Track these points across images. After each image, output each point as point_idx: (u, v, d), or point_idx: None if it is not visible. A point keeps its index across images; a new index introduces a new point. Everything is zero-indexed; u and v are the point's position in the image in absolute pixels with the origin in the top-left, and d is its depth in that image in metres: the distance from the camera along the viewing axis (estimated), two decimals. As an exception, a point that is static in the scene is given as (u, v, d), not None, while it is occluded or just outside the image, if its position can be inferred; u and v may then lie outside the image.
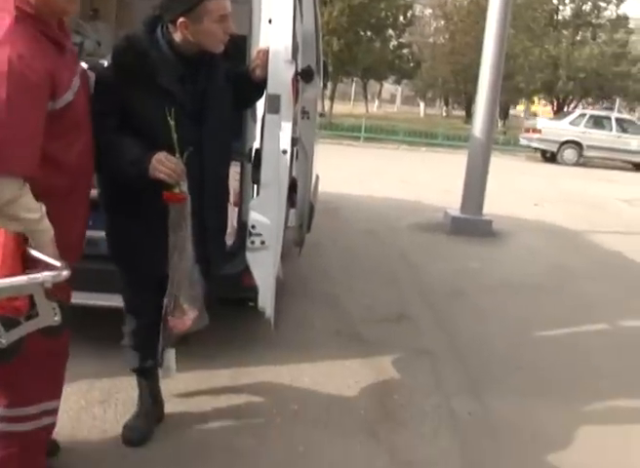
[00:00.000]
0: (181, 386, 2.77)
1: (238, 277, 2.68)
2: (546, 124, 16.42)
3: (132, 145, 1.99)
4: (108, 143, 1.98)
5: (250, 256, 2.37)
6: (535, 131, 16.10)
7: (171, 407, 2.59)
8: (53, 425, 2.01)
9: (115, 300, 2.44)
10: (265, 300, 2.43)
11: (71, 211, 1.82)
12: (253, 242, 2.35)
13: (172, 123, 1.95)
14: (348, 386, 2.96)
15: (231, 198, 2.58)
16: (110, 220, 2.22)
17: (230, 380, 2.90)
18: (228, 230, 2.51)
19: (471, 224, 6.53)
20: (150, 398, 2.45)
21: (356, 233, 6.14)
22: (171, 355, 2.56)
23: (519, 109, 34.29)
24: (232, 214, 2.71)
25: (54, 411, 1.98)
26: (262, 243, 2.36)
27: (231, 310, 3.16)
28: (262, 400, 2.77)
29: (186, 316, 2.13)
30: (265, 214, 2.34)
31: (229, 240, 2.64)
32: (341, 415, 2.70)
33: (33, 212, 1.60)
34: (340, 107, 25.86)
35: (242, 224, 2.77)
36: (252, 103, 2.50)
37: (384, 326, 3.80)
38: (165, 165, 1.95)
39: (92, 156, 1.91)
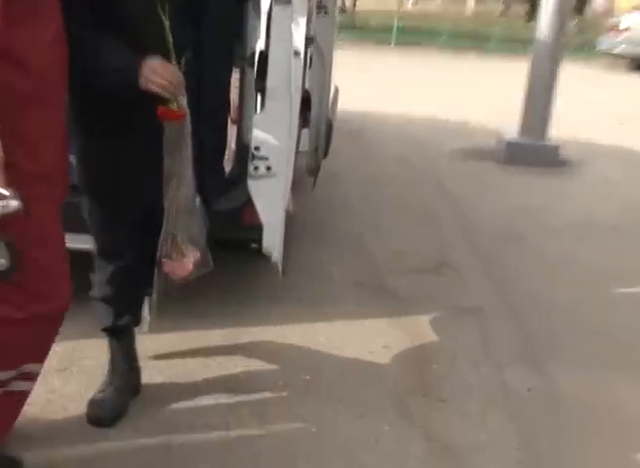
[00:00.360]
0: (163, 350, 2.76)
1: (237, 212, 2.69)
2: (637, 20, 15.59)
3: (114, 47, 1.94)
4: (83, 40, 1.89)
5: (253, 186, 2.34)
6: (620, 30, 15.39)
7: (150, 376, 2.57)
8: (24, 394, 1.99)
9: (81, 242, 2.37)
10: (272, 241, 2.42)
11: (41, 125, 1.75)
12: (256, 168, 2.32)
13: (166, 22, 1.93)
14: (374, 352, 2.93)
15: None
16: (84, 139, 2.15)
17: (225, 343, 2.89)
18: (226, 154, 2.51)
19: (532, 151, 6.42)
20: (124, 365, 2.42)
21: (385, 160, 6.09)
22: (143, 307, 2.56)
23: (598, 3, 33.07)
24: (230, 133, 2.69)
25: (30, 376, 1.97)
26: (268, 169, 2.33)
27: (228, 254, 3.13)
28: (266, 368, 2.75)
29: (187, 258, 2.17)
30: (272, 133, 2.31)
31: (227, 166, 2.63)
32: (365, 389, 2.67)
33: None
34: (365, 3, 25.21)
35: (243, 146, 2.75)
36: (254, -8, 2.49)
37: (419, 276, 3.77)
38: (160, 75, 1.91)
39: (65, 51, 1.83)
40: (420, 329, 3.18)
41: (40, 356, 1.98)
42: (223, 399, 2.52)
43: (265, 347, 2.88)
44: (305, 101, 3.21)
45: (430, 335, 3.13)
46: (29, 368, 1.94)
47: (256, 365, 2.76)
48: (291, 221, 2.84)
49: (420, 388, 2.70)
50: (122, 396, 2.39)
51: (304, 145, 3.60)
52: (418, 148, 6.58)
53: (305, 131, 3.57)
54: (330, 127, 4.19)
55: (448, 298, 3.52)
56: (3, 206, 1.54)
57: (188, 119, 2.01)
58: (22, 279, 1.73)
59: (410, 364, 2.88)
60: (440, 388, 2.71)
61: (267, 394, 2.57)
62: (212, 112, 2.20)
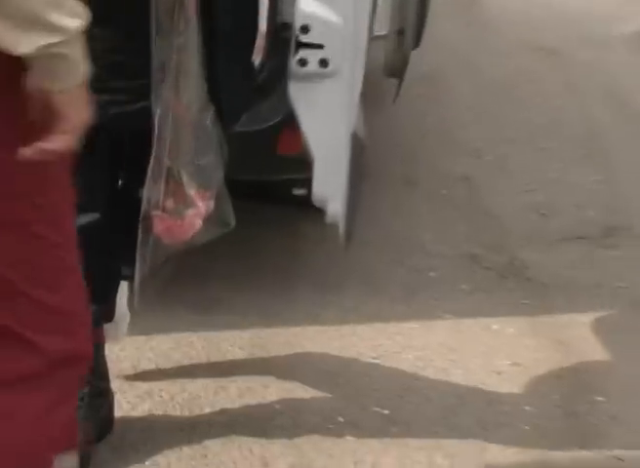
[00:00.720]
0: (150, 364, 2.81)
1: (272, 136, 2.73)
2: None
3: None
4: None
5: (297, 91, 2.36)
6: None
7: (128, 405, 2.62)
8: None
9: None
10: (328, 186, 2.44)
11: None
12: (303, 61, 2.35)
13: None
14: (499, 373, 2.95)
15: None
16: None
17: (250, 353, 2.95)
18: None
19: None
20: (87, 387, 2.43)
21: (516, 51, 6.08)
22: (120, 296, 2.57)
23: None
24: (261, 4, 2.67)
25: None
26: (323, 63, 2.35)
27: (257, 207, 3.19)
28: (316, 395, 2.77)
29: (192, 210, 2.19)
30: (329, 3, 2.32)
31: (255, 59, 2.64)
32: (484, 433, 2.67)
33: (77, 16, 1.57)
34: None
35: (280, 26, 2.77)
36: None
37: (575, 249, 3.79)
38: None
39: None
40: (576, 336, 3.17)
41: (71, 436, 2.03)
42: (247, 442, 2.53)
43: (315, 361, 2.92)
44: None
45: (593, 349, 3.11)
46: (65, 464, 1.99)
47: (299, 389, 2.77)
48: (360, 153, 2.83)
49: (577, 436, 2.69)
50: (84, 436, 2.36)
51: (382, 26, 3.53)
52: (573, 29, 6.53)
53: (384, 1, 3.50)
54: (424, -4, 4.17)
55: (625, 287, 3.51)
56: None
57: None
58: (36, 290, 1.78)
59: (558, 394, 2.87)
60: (611, 438, 2.68)
61: (318, 437, 2.58)
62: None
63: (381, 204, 3.87)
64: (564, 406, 2.83)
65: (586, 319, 3.28)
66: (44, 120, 1.59)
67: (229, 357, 2.90)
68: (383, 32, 3.60)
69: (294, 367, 2.88)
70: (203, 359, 2.87)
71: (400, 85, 4.06)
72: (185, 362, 2.85)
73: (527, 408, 2.80)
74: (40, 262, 1.80)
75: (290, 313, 3.12)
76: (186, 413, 2.63)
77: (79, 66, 1.61)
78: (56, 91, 1.59)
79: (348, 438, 2.60)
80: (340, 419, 2.67)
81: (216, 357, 2.89)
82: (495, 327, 3.19)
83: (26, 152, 1.58)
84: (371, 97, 3.23)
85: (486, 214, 4.01)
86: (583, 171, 4.50)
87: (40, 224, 1.79)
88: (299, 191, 2.64)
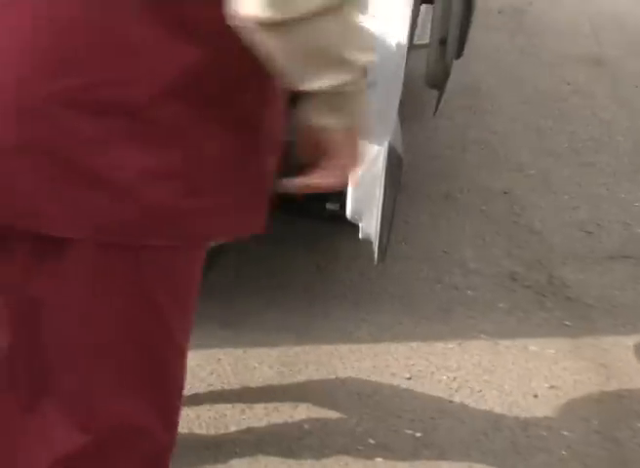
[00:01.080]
0: None
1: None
2: None
3: None
4: None
5: None
6: None
7: None
8: None
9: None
10: (362, 202, 2.45)
11: None
12: None
13: None
14: (535, 395, 2.94)
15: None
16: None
17: (278, 373, 2.94)
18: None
19: None
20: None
21: (561, 63, 6.00)
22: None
23: None
24: None
25: None
26: None
27: (286, 221, 3.09)
28: (345, 417, 2.77)
29: None
30: (364, 9, 2.27)
31: None
32: (519, 459, 2.66)
33: (368, 50, 1.50)
34: None
35: None
36: None
37: (621, 268, 3.75)
38: None
39: None
40: (619, 359, 3.15)
41: None
42: (274, 462, 2.54)
43: (346, 381, 2.90)
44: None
45: (637, 373, 3.10)
46: None
47: (329, 409, 2.78)
48: (397, 166, 2.82)
49: (618, 463, 2.67)
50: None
51: (424, 35, 3.56)
52: (622, 38, 6.44)
53: (426, 8, 3.53)
54: (469, 1, 4.13)
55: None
56: None
57: None
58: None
59: (597, 419, 2.85)
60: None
61: (348, 459, 2.58)
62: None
63: (419, 219, 3.86)
64: (604, 431, 2.81)
65: (630, 342, 3.26)
66: (312, 155, 1.54)
67: (257, 375, 2.89)
68: (425, 41, 3.58)
69: (324, 386, 2.88)
70: (230, 376, 2.86)
71: (441, 96, 4.02)
72: (212, 379, 2.84)
73: (564, 432, 2.79)
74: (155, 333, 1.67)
75: (321, 331, 3.11)
76: (212, 432, 2.64)
77: (361, 103, 1.54)
78: (331, 128, 1.52)
79: (378, 460, 2.61)
80: (371, 441, 2.67)
81: (243, 375, 2.88)
82: (533, 348, 3.17)
83: (289, 184, 1.55)
84: (410, 109, 3.22)
85: (527, 230, 3.97)
86: (632, 187, 4.45)
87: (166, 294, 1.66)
88: (332, 206, 2.59)
